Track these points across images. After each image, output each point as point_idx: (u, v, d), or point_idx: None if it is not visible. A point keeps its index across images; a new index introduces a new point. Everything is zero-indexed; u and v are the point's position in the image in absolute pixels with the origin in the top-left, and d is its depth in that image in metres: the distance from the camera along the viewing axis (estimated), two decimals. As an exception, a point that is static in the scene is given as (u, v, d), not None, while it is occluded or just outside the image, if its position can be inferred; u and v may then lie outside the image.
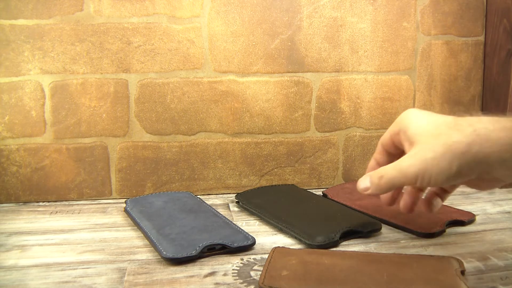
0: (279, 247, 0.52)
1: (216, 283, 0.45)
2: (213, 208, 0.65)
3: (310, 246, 0.53)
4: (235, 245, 0.53)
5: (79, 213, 0.67)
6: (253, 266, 0.49)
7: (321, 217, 0.60)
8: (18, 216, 0.66)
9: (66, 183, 0.73)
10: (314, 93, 0.78)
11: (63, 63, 0.70)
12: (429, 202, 0.52)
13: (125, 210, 0.65)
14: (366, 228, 0.57)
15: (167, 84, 0.73)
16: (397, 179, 0.44)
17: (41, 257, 0.52)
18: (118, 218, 0.65)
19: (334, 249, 0.53)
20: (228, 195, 0.76)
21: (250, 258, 0.51)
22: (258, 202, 0.67)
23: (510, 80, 0.77)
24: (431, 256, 0.48)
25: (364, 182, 0.48)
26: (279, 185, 0.76)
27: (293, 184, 0.76)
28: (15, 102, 0.70)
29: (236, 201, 0.70)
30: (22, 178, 0.72)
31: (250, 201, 0.67)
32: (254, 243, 0.54)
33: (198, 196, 0.72)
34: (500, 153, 0.40)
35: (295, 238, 0.56)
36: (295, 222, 0.58)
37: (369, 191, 0.47)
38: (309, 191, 0.73)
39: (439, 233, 0.57)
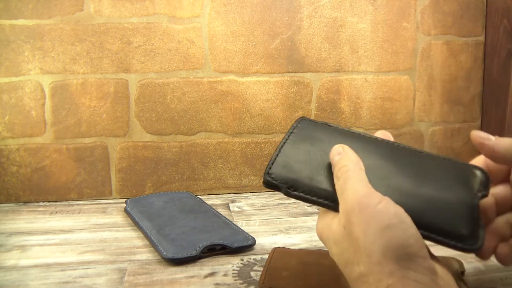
0: (279, 247, 0.52)
1: (216, 284, 0.45)
2: (213, 208, 0.65)
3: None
4: (235, 245, 0.53)
5: (79, 213, 0.67)
6: (253, 267, 0.49)
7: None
8: (18, 216, 0.66)
9: (66, 183, 0.73)
10: (314, 93, 0.78)
11: (63, 63, 0.70)
12: None
13: (125, 210, 0.65)
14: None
15: (167, 84, 0.73)
16: None
17: (41, 258, 0.52)
18: (118, 218, 0.65)
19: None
20: (228, 195, 0.76)
21: (250, 259, 0.51)
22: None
23: (510, 80, 0.77)
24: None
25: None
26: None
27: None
28: (15, 102, 0.70)
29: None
30: (22, 178, 0.72)
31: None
32: (254, 243, 0.54)
33: (198, 196, 0.72)
34: None
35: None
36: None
37: (489, 142, 0.37)
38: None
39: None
